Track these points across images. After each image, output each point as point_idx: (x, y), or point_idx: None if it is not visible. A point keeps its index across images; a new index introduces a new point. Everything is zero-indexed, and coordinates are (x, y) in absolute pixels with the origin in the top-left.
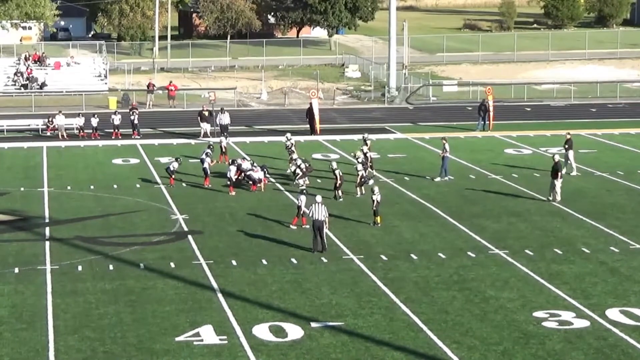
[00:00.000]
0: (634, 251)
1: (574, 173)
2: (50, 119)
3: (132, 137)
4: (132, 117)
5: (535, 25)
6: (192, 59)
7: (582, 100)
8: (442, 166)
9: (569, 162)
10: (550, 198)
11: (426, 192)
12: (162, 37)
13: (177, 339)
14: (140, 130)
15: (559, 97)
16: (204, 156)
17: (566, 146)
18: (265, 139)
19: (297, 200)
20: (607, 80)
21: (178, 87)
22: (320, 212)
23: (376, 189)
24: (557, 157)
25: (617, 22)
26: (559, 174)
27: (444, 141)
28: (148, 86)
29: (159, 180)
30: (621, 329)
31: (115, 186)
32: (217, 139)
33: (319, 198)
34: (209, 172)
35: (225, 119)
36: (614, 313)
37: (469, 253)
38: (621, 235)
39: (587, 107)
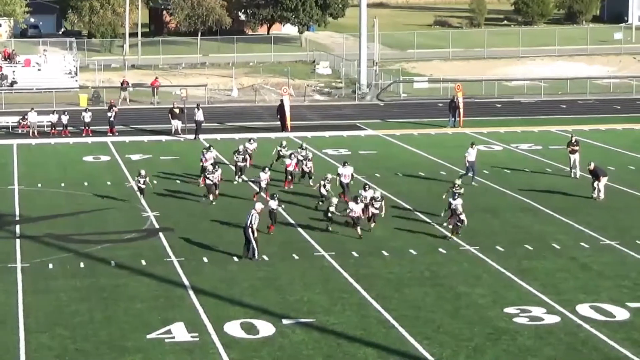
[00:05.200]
0: (604, 247)
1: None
2: (23, 116)
3: (109, 134)
4: (109, 114)
5: (505, 22)
6: (163, 56)
7: (552, 96)
8: (471, 168)
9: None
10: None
11: (397, 189)
12: (133, 34)
13: (148, 336)
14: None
15: (529, 93)
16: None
17: (569, 149)
18: (236, 135)
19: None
20: (577, 77)
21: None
22: (249, 219)
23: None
24: (592, 164)
25: (587, 19)
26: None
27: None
28: (122, 83)
29: (129, 178)
30: (592, 325)
31: (86, 184)
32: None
33: (258, 206)
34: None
35: (199, 115)
36: (584, 309)
37: (441, 249)
38: (592, 232)
39: (557, 104)
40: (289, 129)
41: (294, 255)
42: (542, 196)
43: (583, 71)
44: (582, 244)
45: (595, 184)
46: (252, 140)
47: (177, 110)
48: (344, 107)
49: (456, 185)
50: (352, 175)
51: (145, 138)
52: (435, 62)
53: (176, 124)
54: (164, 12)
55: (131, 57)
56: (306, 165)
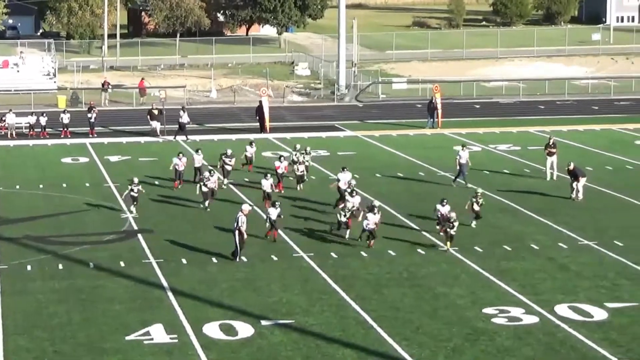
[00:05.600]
0: (582, 247)
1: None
2: (1, 118)
3: (90, 135)
4: (89, 116)
5: (484, 23)
6: (142, 57)
7: (530, 97)
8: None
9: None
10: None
11: (376, 190)
12: (112, 36)
13: (127, 338)
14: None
15: (507, 94)
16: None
17: (547, 151)
18: (215, 137)
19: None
20: (555, 77)
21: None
22: (236, 221)
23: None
24: (571, 165)
25: (565, 20)
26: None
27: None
28: (103, 84)
29: (108, 179)
30: (570, 325)
31: (64, 185)
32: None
33: (244, 207)
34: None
35: (184, 117)
36: (562, 309)
37: (419, 250)
38: (570, 232)
39: (536, 104)
40: (268, 130)
41: (273, 256)
42: (521, 197)
43: (561, 72)
44: (561, 244)
45: (574, 185)
46: (252, 144)
47: (155, 112)
48: (322, 108)
49: (478, 195)
50: (350, 181)
51: (124, 139)
52: (414, 63)
53: (155, 125)
54: (143, 13)
55: (110, 58)
56: (298, 169)
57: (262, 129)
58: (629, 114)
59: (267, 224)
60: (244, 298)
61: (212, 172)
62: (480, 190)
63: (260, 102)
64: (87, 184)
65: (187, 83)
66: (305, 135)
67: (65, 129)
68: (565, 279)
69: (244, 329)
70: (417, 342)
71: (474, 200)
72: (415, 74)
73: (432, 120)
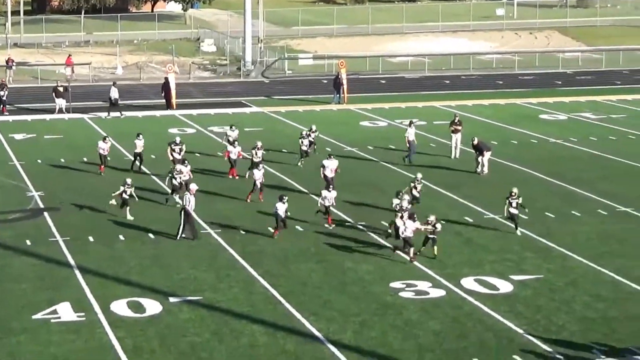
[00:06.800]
0: (488, 221)
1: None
2: None
3: (5, 113)
4: (1, 93)
5: None
6: (46, 35)
7: (436, 72)
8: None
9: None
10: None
11: (282, 166)
12: (15, 12)
13: (34, 316)
14: None
15: (413, 69)
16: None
17: (452, 128)
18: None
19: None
20: (460, 53)
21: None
22: (184, 201)
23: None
24: (475, 139)
25: None
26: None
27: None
28: (7, 62)
29: (13, 158)
30: (476, 298)
31: None
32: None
33: (192, 187)
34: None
35: (114, 93)
36: (469, 282)
37: (327, 226)
38: (476, 206)
39: (441, 79)
40: (174, 107)
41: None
42: (427, 171)
43: (466, 47)
44: (467, 218)
45: (479, 159)
46: (233, 127)
47: (61, 89)
48: (229, 84)
49: (417, 180)
50: (337, 169)
51: (29, 117)
52: (319, 39)
53: (60, 102)
54: None
55: (14, 35)
56: (256, 154)
57: (168, 106)
58: (532, 88)
59: (279, 222)
60: (151, 275)
61: (186, 162)
62: (420, 175)
63: (166, 78)
64: None
65: (93, 60)
66: (212, 111)
67: None
68: (471, 252)
69: (152, 306)
70: (326, 317)
71: (413, 185)
72: (321, 50)
73: (338, 95)
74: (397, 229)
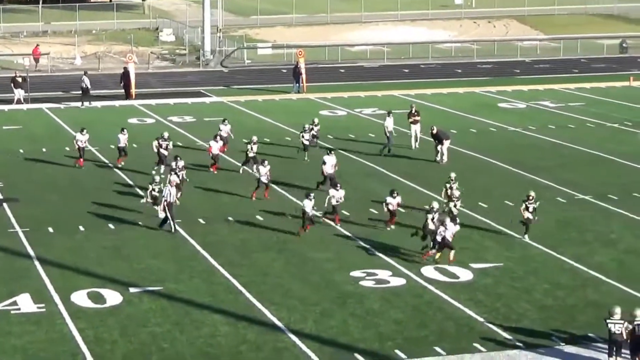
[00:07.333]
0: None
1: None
2: None
3: None
4: None
5: None
6: (3, 24)
7: (395, 61)
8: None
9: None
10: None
11: (243, 156)
12: None
13: None
14: None
15: (372, 58)
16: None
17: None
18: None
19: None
20: (419, 41)
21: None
22: (165, 194)
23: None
24: (434, 128)
25: None
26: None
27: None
28: None
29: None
30: (436, 286)
31: None
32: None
33: (173, 179)
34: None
35: (86, 82)
36: (429, 271)
37: (288, 216)
38: (436, 195)
39: (400, 68)
40: (133, 97)
41: (140, 223)
42: (387, 161)
43: (425, 36)
44: (426, 206)
45: (438, 148)
46: (226, 122)
47: (19, 79)
48: (188, 74)
49: (530, 197)
50: (336, 165)
51: None
52: (278, 28)
53: (19, 92)
54: None
55: None
56: (251, 149)
57: (127, 96)
58: (491, 76)
59: (306, 220)
60: (112, 266)
61: (178, 158)
62: (453, 175)
63: (125, 68)
64: None
65: (51, 50)
66: (171, 101)
67: None
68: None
69: (113, 297)
70: (286, 307)
71: (449, 185)
72: (280, 39)
73: (297, 85)
74: (431, 231)
